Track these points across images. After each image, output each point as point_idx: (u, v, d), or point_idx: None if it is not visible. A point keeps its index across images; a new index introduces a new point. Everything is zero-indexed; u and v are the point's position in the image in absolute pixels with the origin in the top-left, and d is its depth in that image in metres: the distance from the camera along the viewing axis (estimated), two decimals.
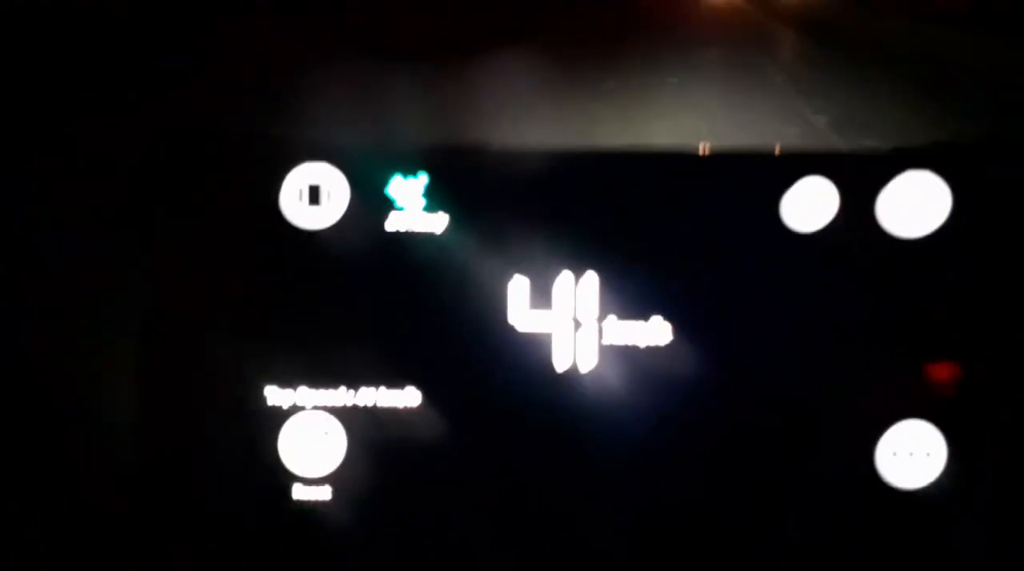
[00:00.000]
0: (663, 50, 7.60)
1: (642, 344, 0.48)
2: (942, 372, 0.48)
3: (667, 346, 0.48)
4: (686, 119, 4.23)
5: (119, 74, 4.61)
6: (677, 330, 0.48)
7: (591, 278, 0.48)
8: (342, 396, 0.48)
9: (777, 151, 0.48)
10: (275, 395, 0.48)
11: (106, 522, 0.52)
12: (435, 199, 0.48)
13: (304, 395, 0.48)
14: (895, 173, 0.47)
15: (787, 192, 0.47)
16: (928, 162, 0.48)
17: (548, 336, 0.49)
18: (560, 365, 0.49)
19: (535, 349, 0.49)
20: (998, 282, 0.47)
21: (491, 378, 0.48)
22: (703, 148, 0.48)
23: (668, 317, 0.48)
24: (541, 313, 0.49)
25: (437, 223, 0.48)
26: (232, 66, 4.66)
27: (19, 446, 0.66)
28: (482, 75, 5.49)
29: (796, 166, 0.47)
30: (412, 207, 0.48)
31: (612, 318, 0.48)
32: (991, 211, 0.47)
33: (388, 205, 0.48)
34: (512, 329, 0.49)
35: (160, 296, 0.47)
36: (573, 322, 0.48)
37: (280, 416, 0.48)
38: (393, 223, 0.48)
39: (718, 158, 0.49)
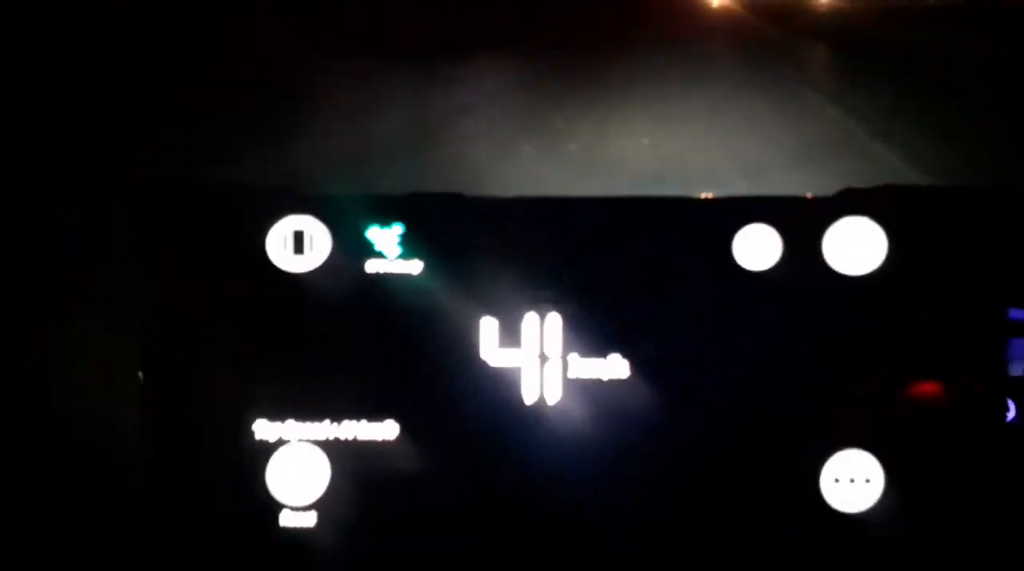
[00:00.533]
0: (670, 53, 7.63)
1: (604, 378, 0.52)
2: (881, 403, 0.52)
3: (627, 380, 0.52)
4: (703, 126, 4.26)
5: (119, 74, 4.62)
6: (636, 365, 0.51)
7: (555, 318, 0.52)
8: (326, 429, 0.52)
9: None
10: (263, 429, 0.51)
11: (100, 543, 0.54)
12: (410, 247, 0.52)
13: (290, 428, 0.51)
14: (836, 217, 0.51)
15: (737, 234, 0.51)
16: (865, 207, 0.51)
17: (517, 371, 0.51)
18: (528, 398, 0.52)
19: (505, 383, 0.52)
20: (933, 318, 0.51)
21: (465, 410, 0.52)
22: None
23: (627, 354, 0.51)
24: (510, 350, 0.52)
25: (413, 268, 0.51)
26: (232, 66, 4.66)
27: (16, 452, 0.67)
28: (480, 77, 5.51)
29: (744, 210, 0.51)
30: (390, 253, 0.51)
31: (575, 355, 0.51)
32: (926, 251, 0.51)
33: (368, 250, 0.51)
34: (484, 365, 0.51)
35: (155, 338, 0.51)
36: (540, 358, 0.51)
37: (268, 448, 0.51)
38: (373, 267, 0.52)
39: (673, 203, 0.52)
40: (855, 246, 0.51)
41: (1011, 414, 0.61)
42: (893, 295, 0.51)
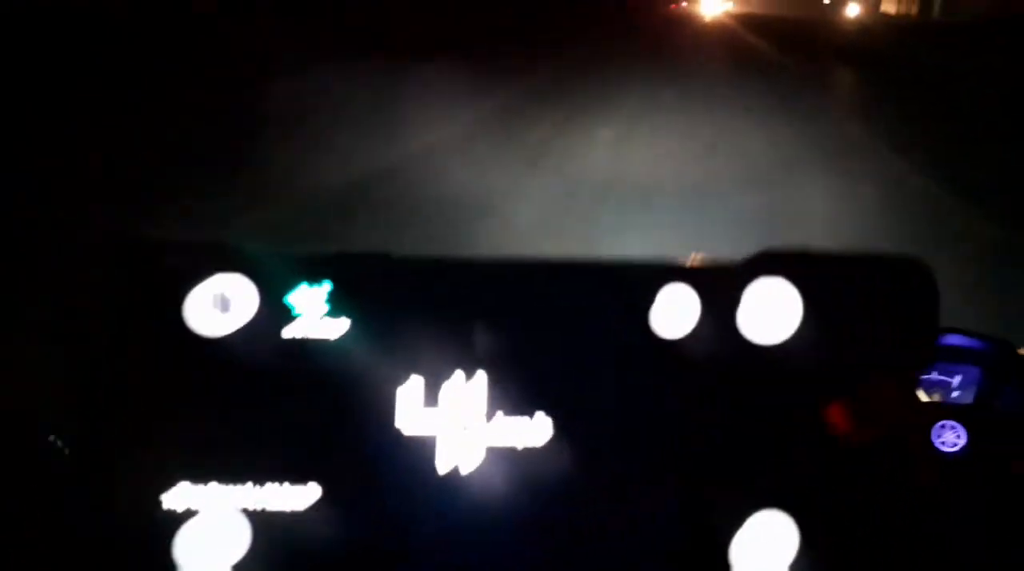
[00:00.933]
0: (663, 65, 7.61)
1: (522, 445, 0.51)
2: (798, 463, 0.50)
3: (545, 446, 0.51)
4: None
5: (119, 74, 4.60)
6: (556, 430, 0.50)
7: (480, 378, 0.51)
8: (243, 495, 0.50)
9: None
10: (178, 494, 0.50)
11: None
12: (338, 305, 0.51)
13: (206, 494, 0.50)
14: (751, 279, 0.50)
15: (657, 297, 0.50)
16: (781, 270, 0.50)
17: (434, 439, 0.51)
18: (443, 467, 0.51)
19: (421, 451, 0.51)
20: (844, 382, 0.50)
21: (381, 478, 0.51)
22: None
23: (548, 416, 0.50)
24: (431, 412, 0.51)
25: (337, 329, 0.51)
26: (232, 67, 4.64)
27: None
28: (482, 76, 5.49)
29: (664, 273, 0.50)
30: (313, 314, 0.51)
31: (494, 419, 0.50)
32: (840, 315, 0.50)
33: (292, 312, 0.50)
34: (400, 432, 0.50)
35: (72, 397, 0.50)
36: (460, 423, 0.51)
37: (184, 514, 0.50)
38: (293, 330, 0.50)
39: (595, 268, 0.52)
40: (771, 309, 0.50)
41: (962, 442, 0.63)
42: (808, 358, 0.50)
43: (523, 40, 6.55)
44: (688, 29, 12.00)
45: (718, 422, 0.50)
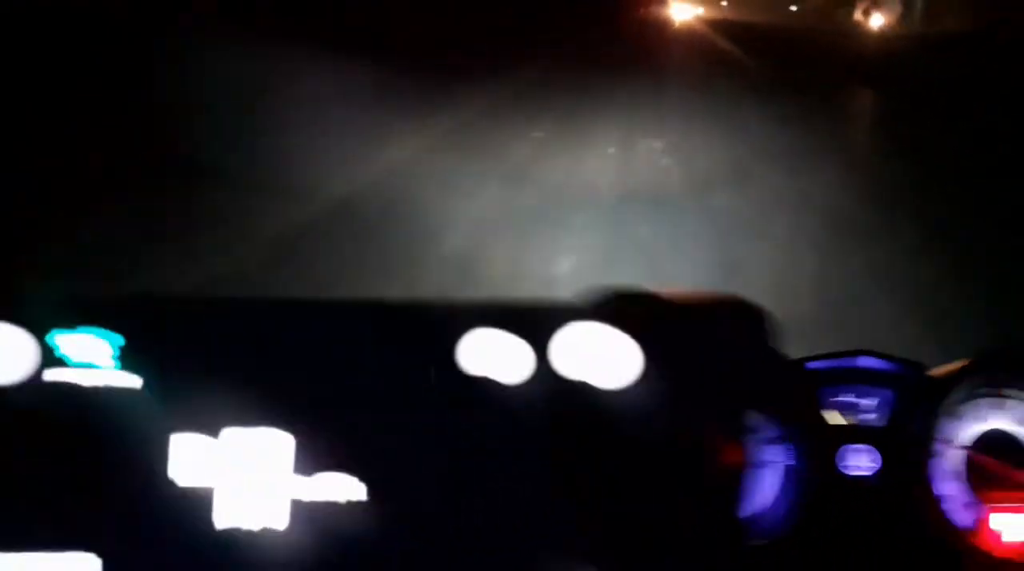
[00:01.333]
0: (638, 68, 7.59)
1: (327, 498, 0.48)
2: (617, 515, 0.50)
3: (355, 500, 0.48)
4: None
5: (119, 74, 4.61)
6: (363, 482, 0.48)
7: (276, 433, 0.48)
8: (9, 560, 0.47)
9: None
10: None
11: None
12: (123, 354, 0.48)
13: None
14: (571, 322, 0.49)
15: (464, 340, 0.48)
16: (615, 316, 0.49)
17: (211, 491, 0.48)
18: (223, 522, 0.48)
19: (200, 505, 0.48)
20: (680, 426, 0.50)
21: (158, 534, 0.48)
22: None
23: (353, 470, 0.48)
24: (222, 465, 0.48)
25: (120, 379, 0.48)
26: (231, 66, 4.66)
27: None
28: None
29: (472, 315, 0.49)
30: (94, 363, 0.48)
31: (303, 467, 0.48)
32: (676, 362, 0.49)
33: (65, 363, 0.48)
34: (173, 485, 0.48)
35: None
36: (252, 476, 0.48)
37: None
38: (71, 381, 0.48)
39: (396, 308, 0.50)
40: (605, 355, 0.48)
41: (876, 466, 0.65)
42: (642, 405, 0.49)
43: (481, 50, 6.53)
44: (659, 33, 12.19)
45: (539, 471, 0.49)
